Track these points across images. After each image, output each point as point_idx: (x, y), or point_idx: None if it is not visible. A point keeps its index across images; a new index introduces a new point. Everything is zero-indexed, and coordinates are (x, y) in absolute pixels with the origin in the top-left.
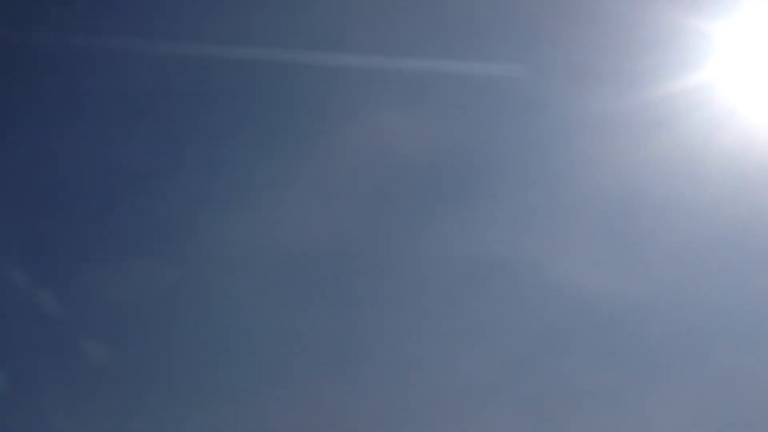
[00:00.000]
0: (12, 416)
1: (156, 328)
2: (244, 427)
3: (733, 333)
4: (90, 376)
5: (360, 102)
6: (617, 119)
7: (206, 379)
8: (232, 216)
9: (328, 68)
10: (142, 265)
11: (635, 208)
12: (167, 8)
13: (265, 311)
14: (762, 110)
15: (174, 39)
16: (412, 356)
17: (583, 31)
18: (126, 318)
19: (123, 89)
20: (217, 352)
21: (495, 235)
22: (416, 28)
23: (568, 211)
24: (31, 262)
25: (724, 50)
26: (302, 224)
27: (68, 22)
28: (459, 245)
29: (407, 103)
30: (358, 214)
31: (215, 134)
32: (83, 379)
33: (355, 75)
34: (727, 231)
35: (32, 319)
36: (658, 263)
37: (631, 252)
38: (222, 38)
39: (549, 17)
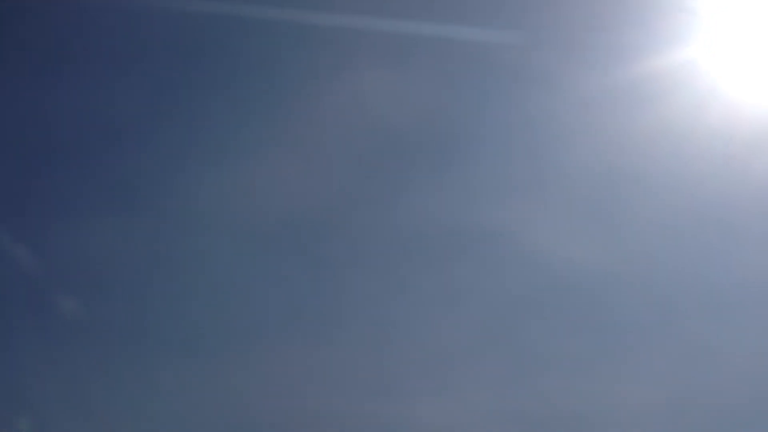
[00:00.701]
0: None
1: (131, 284)
2: (216, 383)
3: (702, 305)
4: (65, 329)
5: (345, 63)
6: (603, 93)
7: (181, 336)
8: (211, 175)
9: (315, 27)
10: (119, 221)
11: (615, 181)
12: None
13: (241, 271)
14: (745, 86)
15: None
16: (389, 321)
17: (572, 5)
18: (101, 273)
19: (105, 43)
20: (192, 310)
21: (474, 203)
22: None
23: (548, 182)
24: (6, 217)
25: (708, 27)
26: (282, 185)
27: None
28: (438, 212)
29: (393, 66)
30: (338, 176)
31: (197, 91)
32: (58, 332)
33: (342, 35)
34: (705, 206)
35: (7, 274)
36: (634, 236)
37: (609, 224)
38: None
39: None
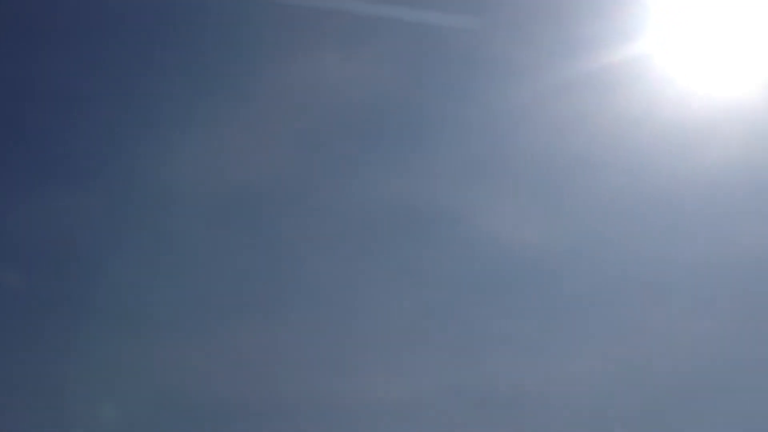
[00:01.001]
0: None
1: (79, 258)
2: (167, 360)
3: (646, 287)
4: (6, 302)
5: (304, 42)
6: (558, 81)
7: (129, 312)
8: (166, 150)
9: (275, 5)
10: (69, 195)
11: (568, 167)
12: None
13: (194, 247)
14: (697, 79)
15: None
16: (343, 298)
17: None
18: (51, 247)
19: (62, 15)
20: (142, 286)
21: (429, 185)
22: None
23: (502, 166)
24: None
25: (661, 21)
26: (239, 161)
27: None
28: (394, 192)
29: (352, 47)
30: (293, 154)
31: (154, 66)
32: (6, 307)
33: (301, 14)
34: (653, 192)
35: None
36: (585, 220)
37: (560, 209)
38: None
39: None
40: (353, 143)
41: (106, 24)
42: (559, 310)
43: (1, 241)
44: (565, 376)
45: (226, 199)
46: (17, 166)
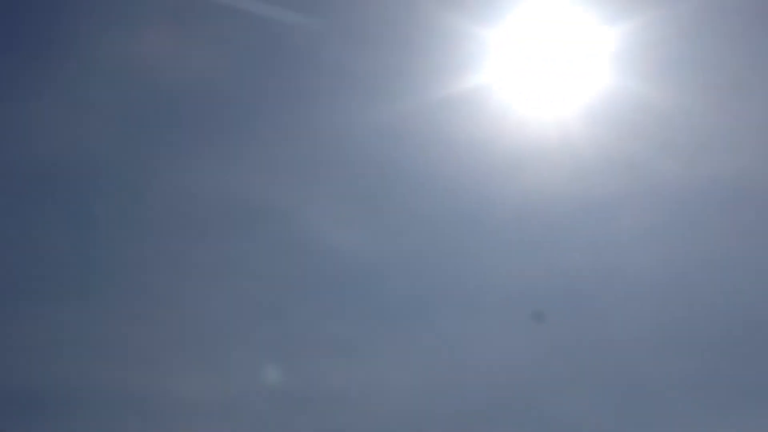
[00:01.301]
0: None
1: None
2: None
3: (457, 302)
4: None
5: (122, 18)
6: (401, 101)
7: None
8: None
9: None
10: None
11: (394, 177)
12: None
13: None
14: (535, 109)
15: None
16: (157, 291)
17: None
18: None
19: None
20: None
21: (251, 180)
22: None
23: (328, 168)
24: None
25: (499, 53)
26: (50, 140)
27: None
28: (214, 185)
29: (180, 31)
30: (109, 136)
31: None
32: None
33: None
34: (474, 211)
35: None
36: (405, 231)
37: (382, 217)
38: None
39: None
40: (173, 130)
41: None
42: (382, 315)
43: None
44: (385, 379)
45: (34, 180)
46: None
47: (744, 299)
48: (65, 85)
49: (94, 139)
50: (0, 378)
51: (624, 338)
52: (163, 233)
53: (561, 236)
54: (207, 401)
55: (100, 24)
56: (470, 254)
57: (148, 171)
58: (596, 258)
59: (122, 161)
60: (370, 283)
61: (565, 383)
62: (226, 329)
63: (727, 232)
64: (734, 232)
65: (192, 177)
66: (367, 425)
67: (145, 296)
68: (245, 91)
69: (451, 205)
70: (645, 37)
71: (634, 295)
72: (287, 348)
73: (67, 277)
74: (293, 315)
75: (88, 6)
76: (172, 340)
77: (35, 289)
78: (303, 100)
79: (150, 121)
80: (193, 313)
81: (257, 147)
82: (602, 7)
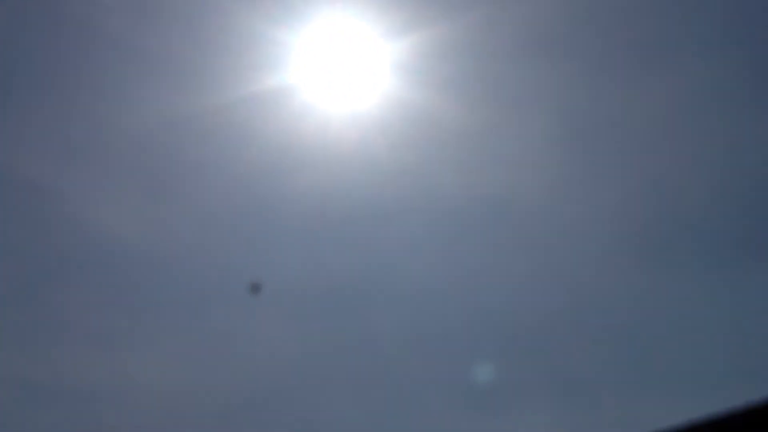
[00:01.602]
0: None
1: None
2: None
3: (230, 297)
4: None
5: None
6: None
7: None
8: None
9: None
10: None
11: (178, 168)
12: None
13: None
14: (336, 110)
15: None
16: None
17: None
18: None
19: None
20: None
21: (25, 153)
22: None
23: (110, 154)
24: None
25: (299, 56)
26: None
27: None
28: None
29: None
30: None
31: None
32: None
33: None
34: (261, 208)
35: None
36: (184, 224)
37: (163, 209)
38: None
39: None
40: None
41: None
42: (138, 307)
43: None
44: (146, 373)
45: None
46: None
47: (504, 307)
48: None
49: None
50: None
51: (387, 339)
52: None
53: (336, 236)
54: None
55: None
56: (247, 250)
57: None
58: (367, 260)
59: None
60: (143, 274)
61: (328, 380)
62: None
63: (491, 245)
64: (498, 246)
65: None
66: (118, 418)
67: None
68: (28, 63)
69: (234, 201)
70: (428, 50)
71: (400, 298)
72: (36, 335)
73: None
74: (45, 300)
75: None
76: None
77: None
78: (96, 82)
79: None
80: None
81: (36, 123)
82: (389, 20)
